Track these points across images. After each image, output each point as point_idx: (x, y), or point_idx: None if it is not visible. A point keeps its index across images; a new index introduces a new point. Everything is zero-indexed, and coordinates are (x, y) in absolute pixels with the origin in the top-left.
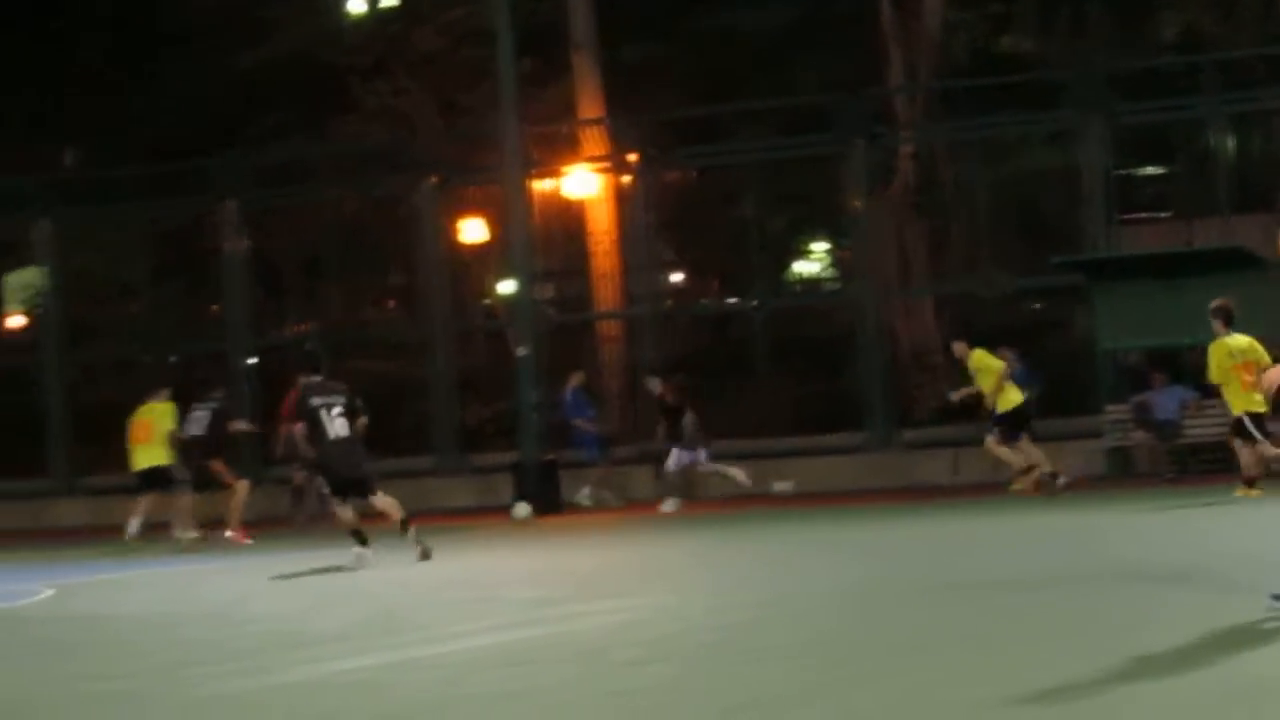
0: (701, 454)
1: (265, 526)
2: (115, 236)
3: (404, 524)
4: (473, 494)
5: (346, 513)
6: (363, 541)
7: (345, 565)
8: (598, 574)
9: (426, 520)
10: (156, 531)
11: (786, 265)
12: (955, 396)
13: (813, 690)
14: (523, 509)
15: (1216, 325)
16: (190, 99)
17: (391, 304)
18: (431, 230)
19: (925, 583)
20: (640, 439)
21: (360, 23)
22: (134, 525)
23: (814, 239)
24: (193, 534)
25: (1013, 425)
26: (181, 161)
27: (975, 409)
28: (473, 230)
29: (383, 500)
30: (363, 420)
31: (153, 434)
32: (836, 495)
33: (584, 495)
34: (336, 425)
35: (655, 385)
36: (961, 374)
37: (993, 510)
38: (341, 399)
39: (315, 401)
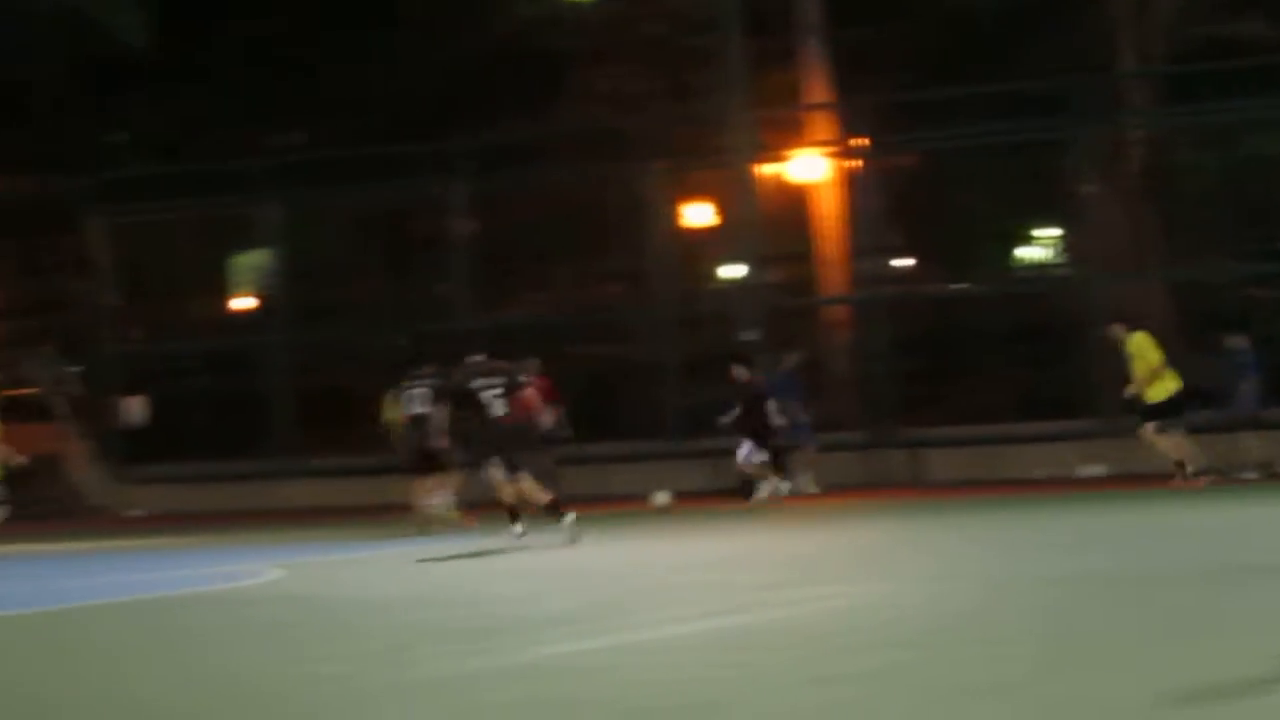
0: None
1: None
2: (342, 218)
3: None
4: (700, 477)
5: (513, 488)
6: (555, 514)
7: (556, 544)
8: (815, 559)
9: (643, 505)
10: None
11: (1013, 250)
12: (1128, 393)
13: (1031, 678)
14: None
15: None
16: (416, 81)
17: (616, 287)
18: (657, 214)
19: (1140, 572)
20: (862, 424)
21: (586, 6)
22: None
23: (1041, 224)
24: (454, 514)
25: (1167, 414)
26: (408, 144)
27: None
28: (698, 214)
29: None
30: (528, 391)
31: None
32: (1060, 483)
33: (805, 481)
34: (496, 405)
35: (742, 373)
36: (1120, 357)
37: (1221, 498)
38: (502, 379)
39: (477, 383)
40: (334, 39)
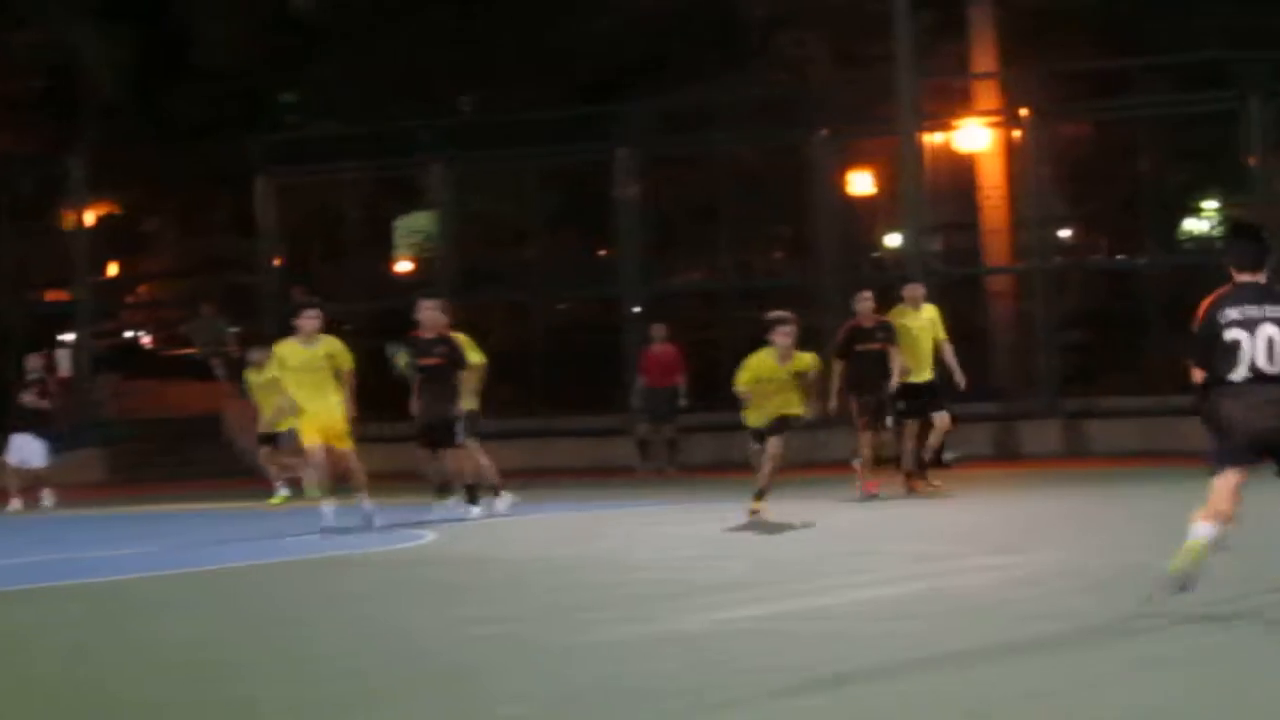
0: None
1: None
2: (508, 181)
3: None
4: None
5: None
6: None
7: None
8: (978, 529)
9: (812, 472)
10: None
11: (1180, 223)
12: None
13: (1210, 651)
14: None
15: None
16: (587, 43)
17: (780, 254)
18: (823, 181)
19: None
20: (1024, 395)
21: None
22: None
23: (1209, 196)
24: None
25: None
26: (577, 107)
27: None
28: (864, 182)
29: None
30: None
31: None
32: None
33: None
34: None
35: None
36: None
37: None
38: None
39: None
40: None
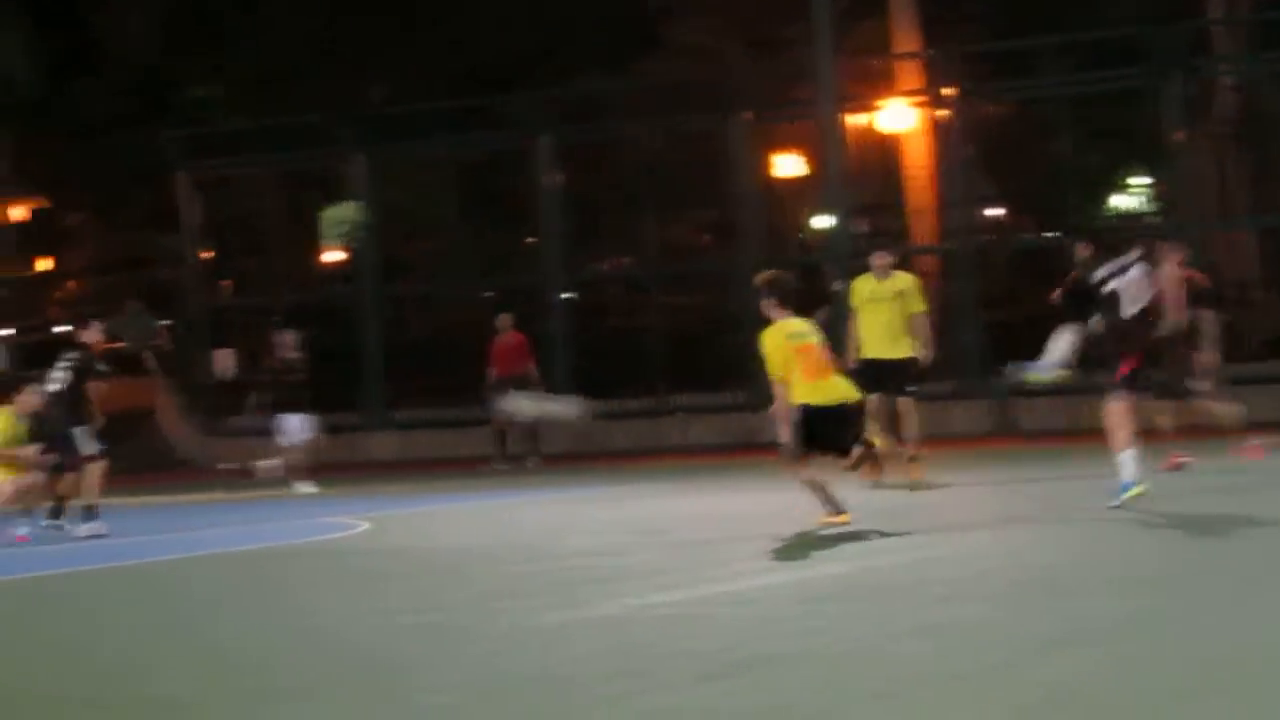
0: None
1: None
2: (428, 171)
3: None
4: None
5: None
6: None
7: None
8: (899, 511)
9: (731, 457)
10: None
11: (1103, 199)
12: None
13: (1126, 627)
14: None
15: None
16: (502, 33)
17: (704, 239)
18: (744, 165)
19: (1233, 522)
20: (951, 374)
21: None
22: None
23: (1131, 173)
24: None
25: None
26: (493, 96)
27: None
28: (786, 165)
29: None
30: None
31: None
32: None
33: None
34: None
35: None
36: None
37: None
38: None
39: None
40: None
